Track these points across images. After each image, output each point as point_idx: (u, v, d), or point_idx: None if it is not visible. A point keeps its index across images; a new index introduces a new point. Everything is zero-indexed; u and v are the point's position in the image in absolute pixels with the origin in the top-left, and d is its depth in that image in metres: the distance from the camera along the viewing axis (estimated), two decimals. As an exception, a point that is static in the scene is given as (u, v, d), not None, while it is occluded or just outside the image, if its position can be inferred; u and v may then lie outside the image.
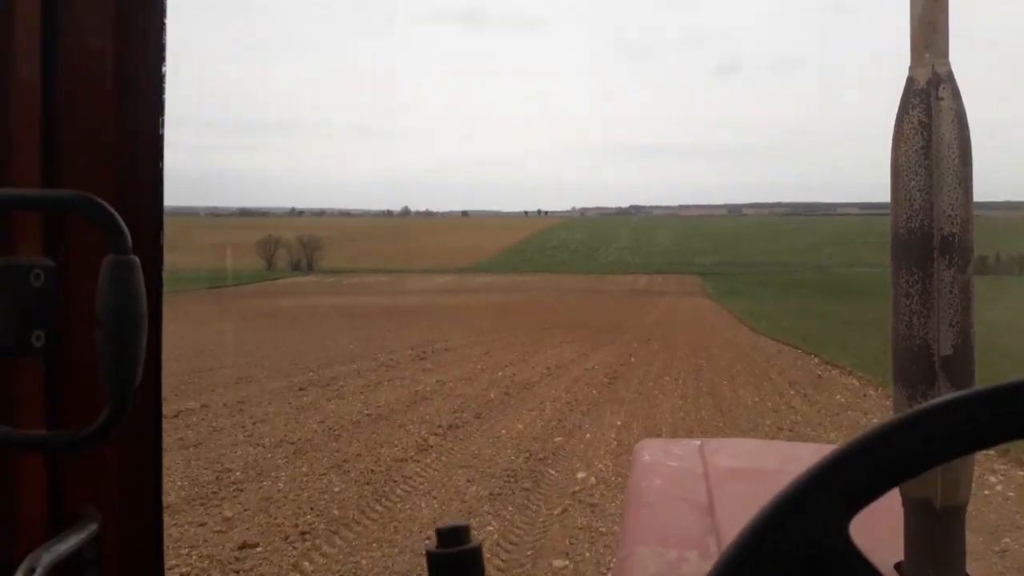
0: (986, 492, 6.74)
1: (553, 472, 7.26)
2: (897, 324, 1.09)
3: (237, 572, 4.93)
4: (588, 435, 8.84)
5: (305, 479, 6.93)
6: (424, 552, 0.72)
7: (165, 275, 0.75)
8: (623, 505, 1.85)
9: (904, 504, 1.12)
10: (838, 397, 11.92)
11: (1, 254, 0.67)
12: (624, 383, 13.04)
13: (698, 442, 1.98)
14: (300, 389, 12.28)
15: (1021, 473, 7.30)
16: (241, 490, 6.60)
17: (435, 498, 6.43)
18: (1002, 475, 7.26)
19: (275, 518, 5.90)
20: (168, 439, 8.18)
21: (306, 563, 5.10)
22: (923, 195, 1.06)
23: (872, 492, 0.46)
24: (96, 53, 0.70)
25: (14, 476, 0.70)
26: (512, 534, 5.51)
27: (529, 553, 5.23)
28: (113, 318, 0.60)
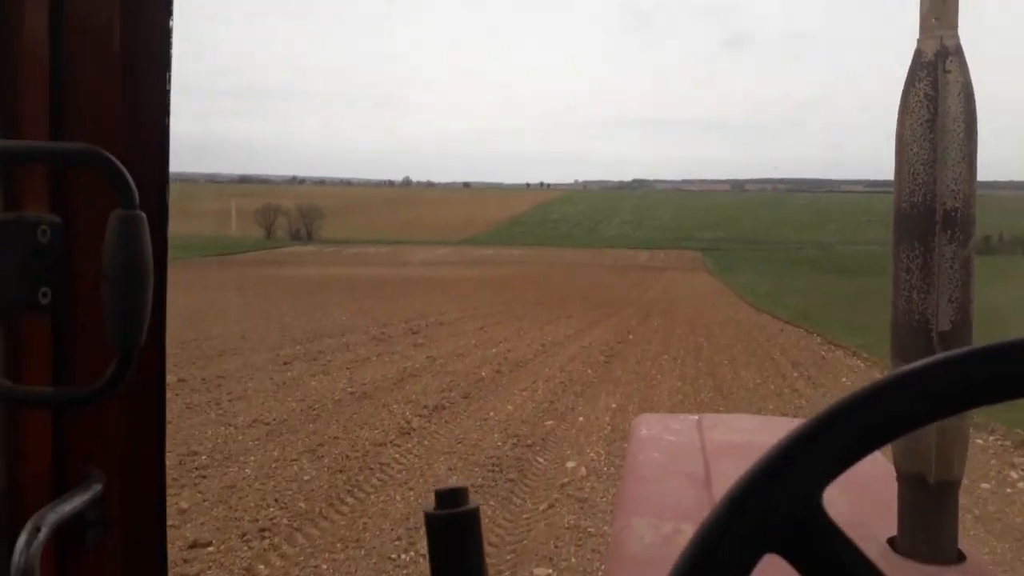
0: (1008, 491, 6.26)
1: (541, 461, 6.77)
2: (897, 298, 1.09)
3: (182, 577, 4.45)
4: (581, 418, 8.36)
5: (274, 465, 6.45)
6: (423, 514, 0.71)
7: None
8: (620, 478, 1.81)
9: (898, 479, 1.12)
10: (843, 379, 11.44)
11: (7, 209, 0.66)
12: (621, 362, 12.57)
13: (696, 417, 1.96)
14: (285, 363, 11.80)
15: (1043, 467, 6.83)
16: (204, 477, 6.12)
17: (411, 489, 5.94)
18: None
19: (235, 511, 5.42)
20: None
21: (260, 566, 4.61)
22: (927, 168, 1.04)
23: (842, 462, 0.46)
24: (104, 6, 0.69)
25: (20, 434, 0.69)
26: (492, 534, 5.02)
27: (509, 558, 4.74)
28: (120, 273, 0.59)
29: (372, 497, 5.80)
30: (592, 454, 6.94)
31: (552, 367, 11.86)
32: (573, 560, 4.69)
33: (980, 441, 7.53)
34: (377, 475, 6.24)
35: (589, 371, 11.55)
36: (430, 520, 0.70)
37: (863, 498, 1.28)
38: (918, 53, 1.05)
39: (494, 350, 13.64)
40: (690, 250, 71.96)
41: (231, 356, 12.30)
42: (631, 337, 15.96)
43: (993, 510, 5.74)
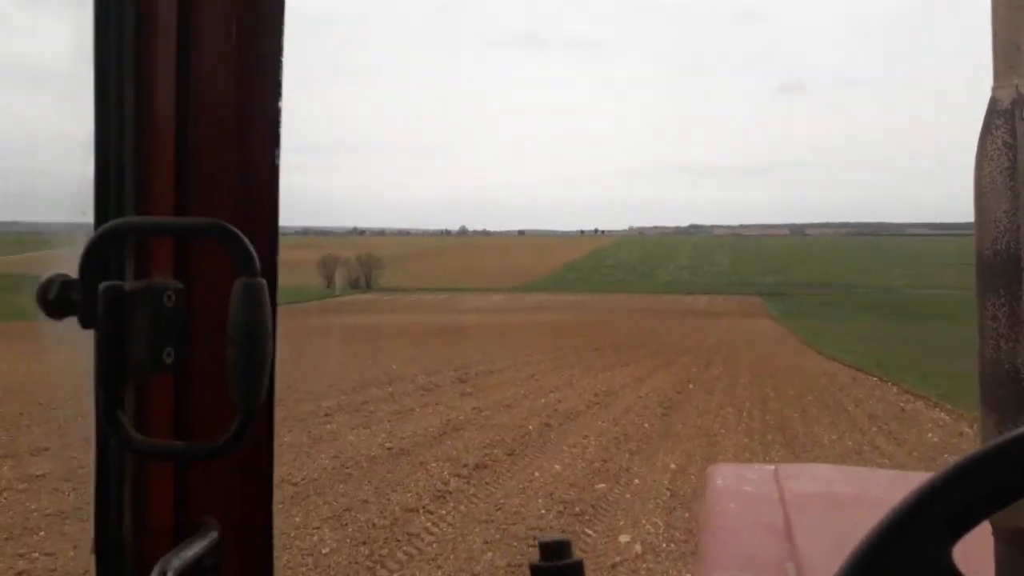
0: None
1: (590, 533, 5.98)
2: (984, 348, 1.06)
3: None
4: (636, 481, 7.55)
5: (294, 535, 5.82)
6: (528, 566, 0.71)
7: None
8: (697, 530, 1.89)
9: (994, 534, 1.07)
10: (929, 435, 10.35)
11: (139, 277, 0.73)
12: (680, 414, 11.69)
13: (772, 467, 1.91)
14: (326, 415, 11.27)
15: None
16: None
17: (440, 568, 5.23)
18: None
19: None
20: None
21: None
22: (1009, 217, 1.05)
23: (976, 516, 0.46)
24: (221, 93, 0.75)
25: (147, 484, 0.73)
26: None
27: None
28: (244, 336, 0.63)
29: None
30: (649, 525, 6.13)
31: (605, 420, 11.06)
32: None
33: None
34: (404, 548, 5.56)
35: (646, 425, 10.71)
36: (536, 572, 0.72)
37: (959, 554, 0.93)
38: (993, 101, 1.06)
39: (543, 400, 12.91)
40: (750, 295, 70.09)
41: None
42: (691, 387, 15.04)
43: None
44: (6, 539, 5.72)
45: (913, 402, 13.59)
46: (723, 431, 10.33)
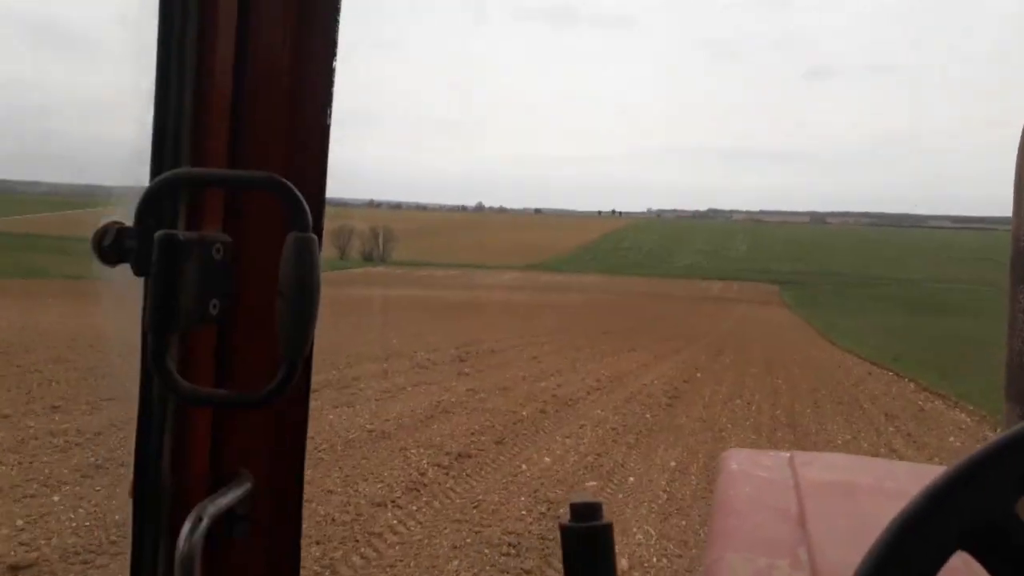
0: None
1: (573, 539, 5.39)
2: (1012, 340, 1.07)
3: None
4: (631, 479, 6.93)
5: (243, 526, 5.28)
6: (557, 526, 0.74)
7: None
8: (709, 512, 1.67)
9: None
10: (951, 439, 9.68)
11: (191, 228, 0.73)
12: (686, 405, 11.05)
13: (787, 454, 1.90)
14: (313, 391, 10.68)
15: None
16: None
17: (396, 577, 4.65)
18: None
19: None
20: (117, 457, 6.72)
21: None
22: None
23: None
24: (278, 51, 0.76)
25: (187, 431, 0.75)
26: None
27: None
28: (294, 290, 0.64)
29: (345, 583, 4.53)
30: (640, 535, 5.50)
31: (605, 408, 10.44)
32: None
33: None
34: (361, 550, 4.95)
35: (648, 416, 10.09)
36: (565, 532, 0.72)
37: None
38: None
39: (543, 384, 12.31)
40: (767, 283, 69.11)
41: (257, 380, 11.31)
42: (699, 375, 14.40)
43: None
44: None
45: (932, 401, 12.90)
46: (730, 425, 9.69)
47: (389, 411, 9.39)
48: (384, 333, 19.70)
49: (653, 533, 5.50)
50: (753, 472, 1.77)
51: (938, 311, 40.05)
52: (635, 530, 5.53)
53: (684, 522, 5.71)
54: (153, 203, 0.69)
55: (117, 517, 5.02)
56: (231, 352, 0.76)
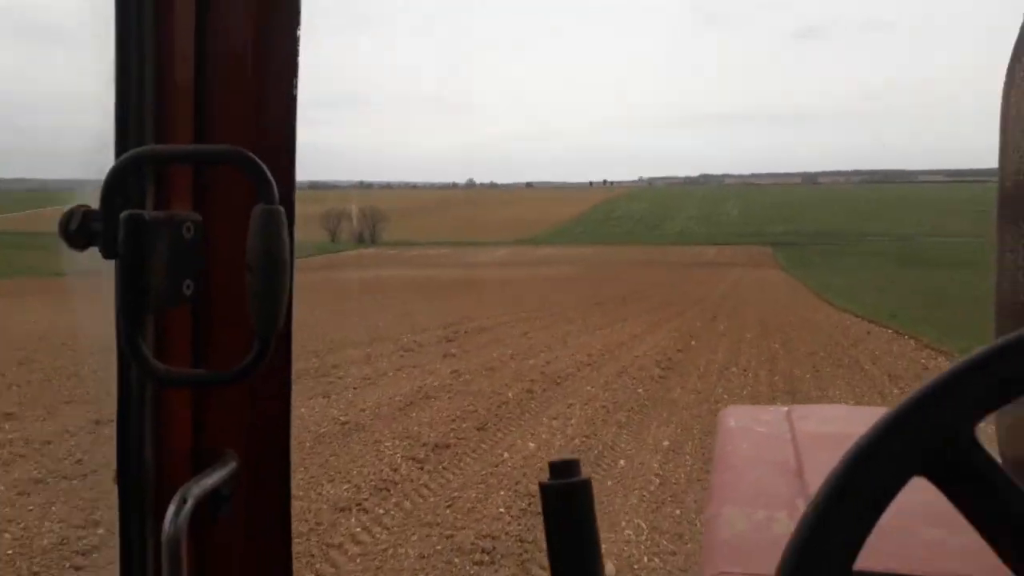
0: None
1: (556, 537, 4.91)
2: (1001, 281, 1.08)
3: None
4: (622, 463, 6.45)
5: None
6: (538, 484, 0.74)
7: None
8: (709, 468, 1.71)
9: (1004, 465, 0.94)
10: (982, 423, 9.21)
11: (159, 208, 0.72)
12: (680, 376, 10.58)
13: (785, 408, 1.91)
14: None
15: None
16: (81, 552, 4.47)
17: (354, 595, 4.15)
18: None
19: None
20: (76, 455, 6.23)
21: None
22: None
23: (1002, 396, 0.47)
24: (239, 22, 0.74)
25: (167, 412, 0.75)
26: None
27: None
28: (263, 263, 0.64)
29: (301, 602, 4.06)
30: (630, 530, 4.99)
31: (596, 384, 9.97)
32: None
33: None
34: (316, 566, 4.44)
35: (640, 390, 9.61)
36: (545, 490, 0.73)
37: None
38: (1023, 28, 1.01)
39: (532, 362, 11.83)
40: (760, 245, 68.69)
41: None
42: (694, 344, 13.93)
43: None
44: None
45: (935, 358, 12.46)
46: (726, 396, 9.21)
47: (367, 400, 8.90)
48: (370, 316, 19.19)
49: (644, 527, 5.00)
50: (751, 428, 1.77)
51: (933, 265, 39.72)
52: (624, 524, 5.03)
53: (679, 511, 5.23)
54: (118, 184, 0.67)
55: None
56: (207, 332, 0.75)
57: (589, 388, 9.70)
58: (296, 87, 0.76)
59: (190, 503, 0.67)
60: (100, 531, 4.67)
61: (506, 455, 6.61)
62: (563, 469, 0.73)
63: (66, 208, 0.66)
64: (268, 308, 0.64)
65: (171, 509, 0.67)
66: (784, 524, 1.21)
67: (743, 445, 1.66)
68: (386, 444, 6.90)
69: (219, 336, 0.75)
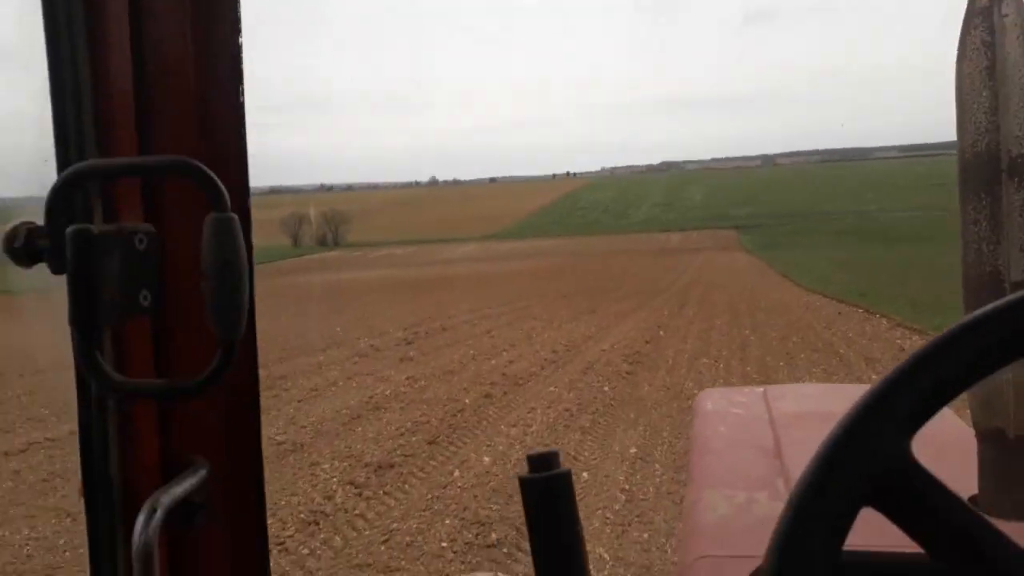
0: None
1: (506, 579, 4.22)
2: (966, 251, 1.09)
3: None
4: (585, 476, 5.81)
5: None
6: (517, 478, 0.73)
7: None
8: (688, 452, 1.71)
9: (977, 435, 1.15)
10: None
11: (107, 221, 0.71)
12: (648, 371, 10.00)
13: (761, 389, 1.92)
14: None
15: None
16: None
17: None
18: None
19: None
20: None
21: None
22: (988, 117, 1.05)
23: (927, 411, 0.47)
24: (179, 31, 0.73)
25: (131, 424, 0.74)
26: None
27: None
28: (219, 271, 0.63)
29: None
30: (593, 556, 4.37)
31: (559, 384, 9.34)
32: None
33: None
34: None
35: (606, 388, 9.00)
36: (525, 484, 0.72)
37: (940, 458, 1.14)
38: (971, 1, 1.05)
39: (493, 362, 11.19)
40: (724, 229, 68.76)
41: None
42: (662, 334, 13.39)
43: None
44: None
45: (910, 337, 12.04)
46: (696, 391, 8.61)
47: (310, 414, 8.18)
48: (327, 321, 18.42)
49: (607, 557, 4.35)
50: (728, 411, 1.78)
51: (894, 240, 39.80)
52: (589, 551, 4.40)
53: (647, 534, 4.61)
54: (62, 199, 0.67)
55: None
56: (169, 341, 0.75)
57: (552, 389, 9.07)
58: (242, 93, 0.75)
59: (160, 512, 0.66)
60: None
61: (456, 474, 5.92)
62: (542, 462, 0.72)
63: (9, 226, 0.66)
64: (228, 315, 0.63)
65: (140, 519, 0.66)
66: (765, 505, 1.14)
67: (721, 428, 1.66)
68: (323, 467, 6.18)
69: (181, 345, 0.74)
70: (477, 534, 4.70)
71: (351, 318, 18.90)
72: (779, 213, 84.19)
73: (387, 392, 9.26)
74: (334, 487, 5.71)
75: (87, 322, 0.65)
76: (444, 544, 4.63)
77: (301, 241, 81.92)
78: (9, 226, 0.67)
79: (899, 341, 11.65)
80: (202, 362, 0.66)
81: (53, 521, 5.16)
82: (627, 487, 5.50)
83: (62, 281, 0.65)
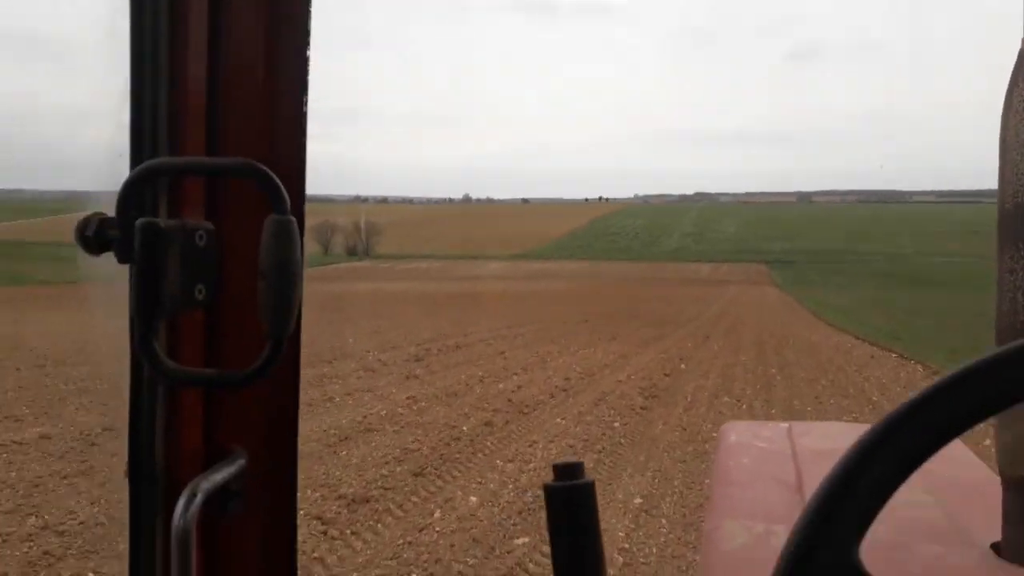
0: None
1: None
2: (1001, 301, 1.10)
3: None
4: (581, 527, 5.19)
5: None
6: (543, 486, 0.74)
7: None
8: (710, 483, 1.75)
9: (1003, 482, 1.14)
10: (987, 442, 7.97)
11: (171, 216, 0.75)
12: (665, 407, 9.31)
13: (786, 424, 1.94)
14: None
15: None
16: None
17: None
18: None
19: None
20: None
21: None
22: None
23: (869, 513, 0.46)
24: (249, 43, 0.76)
25: (179, 411, 0.76)
26: None
27: None
28: (274, 271, 0.66)
29: None
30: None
31: (568, 415, 8.69)
32: None
33: None
34: None
35: (617, 424, 8.33)
36: (550, 492, 0.73)
37: (965, 503, 1.32)
38: (1022, 55, 1.05)
39: (501, 386, 10.57)
40: (755, 263, 67.68)
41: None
42: (683, 367, 12.69)
43: None
44: None
45: (949, 388, 11.24)
46: (715, 434, 7.95)
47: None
48: (341, 332, 17.95)
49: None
50: (752, 443, 1.77)
51: (929, 284, 38.79)
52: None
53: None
54: (133, 193, 0.70)
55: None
56: (220, 334, 0.77)
57: (559, 420, 8.42)
58: (306, 103, 0.77)
59: (199, 497, 0.68)
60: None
61: (437, 515, 5.29)
62: (567, 471, 0.73)
63: (82, 215, 0.69)
64: (280, 314, 0.66)
65: (180, 503, 0.68)
66: (783, 538, 0.97)
67: (743, 460, 1.65)
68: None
69: (231, 339, 0.76)
70: (446, 596, 4.08)
71: (366, 330, 18.47)
72: (813, 250, 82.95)
73: (383, 412, 8.67)
74: (298, 521, 5.13)
75: (147, 311, 0.67)
76: (405, 605, 4.01)
77: (332, 250, 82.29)
78: (82, 215, 0.69)
79: (938, 392, 10.86)
80: (249, 356, 0.68)
81: None
82: (626, 546, 4.81)
83: (123, 273, 0.68)
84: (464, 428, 7.89)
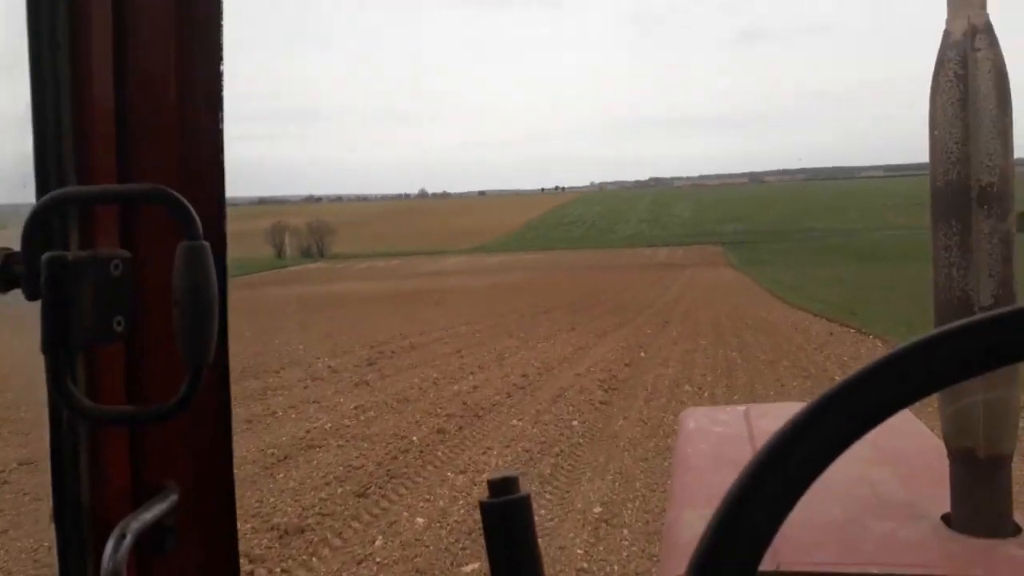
0: None
1: None
2: (937, 276, 1.13)
3: None
4: (541, 542, 4.79)
5: None
6: (479, 503, 0.73)
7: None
8: (670, 470, 1.75)
9: (949, 455, 1.17)
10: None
11: (84, 247, 0.73)
12: (625, 400, 8.96)
13: (743, 408, 1.95)
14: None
15: None
16: None
17: None
18: None
19: None
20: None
21: None
22: (960, 147, 1.08)
23: (768, 532, 0.44)
24: (161, 59, 0.75)
25: (102, 450, 0.74)
26: None
27: None
28: (188, 298, 0.64)
29: None
30: None
31: (524, 416, 8.28)
32: None
33: None
34: None
35: (576, 422, 7.94)
36: (485, 509, 0.73)
37: (915, 476, 1.33)
38: (946, 34, 1.07)
39: (455, 388, 10.13)
40: (711, 245, 68.18)
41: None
42: (643, 355, 12.39)
43: None
44: None
45: (910, 362, 11.10)
46: (677, 428, 7.62)
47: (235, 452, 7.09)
48: (290, 338, 17.32)
49: None
50: (711, 429, 1.79)
51: (881, 258, 39.29)
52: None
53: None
54: (38, 226, 0.68)
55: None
56: (142, 367, 0.76)
57: (515, 423, 8.00)
58: (221, 120, 0.76)
59: (129, 538, 0.67)
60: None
61: (379, 543, 4.81)
62: (501, 486, 0.72)
63: None
64: (197, 342, 0.64)
65: (110, 544, 0.66)
66: None
67: (702, 446, 1.66)
68: (222, 529, 5.10)
69: (154, 371, 0.75)
70: (380, 641, 3.62)
71: (317, 334, 17.88)
72: (765, 230, 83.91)
73: (328, 426, 8.17)
74: (222, 560, 4.63)
75: (58, 349, 0.66)
76: (332, 659, 3.55)
77: (285, 252, 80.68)
78: None
79: (899, 367, 10.71)
80: (174, 387, 0.67)
81: None
82: (585, 565, 4.40)
83: (36, 308, 0.67)
84: (414, 438, 7.41)
